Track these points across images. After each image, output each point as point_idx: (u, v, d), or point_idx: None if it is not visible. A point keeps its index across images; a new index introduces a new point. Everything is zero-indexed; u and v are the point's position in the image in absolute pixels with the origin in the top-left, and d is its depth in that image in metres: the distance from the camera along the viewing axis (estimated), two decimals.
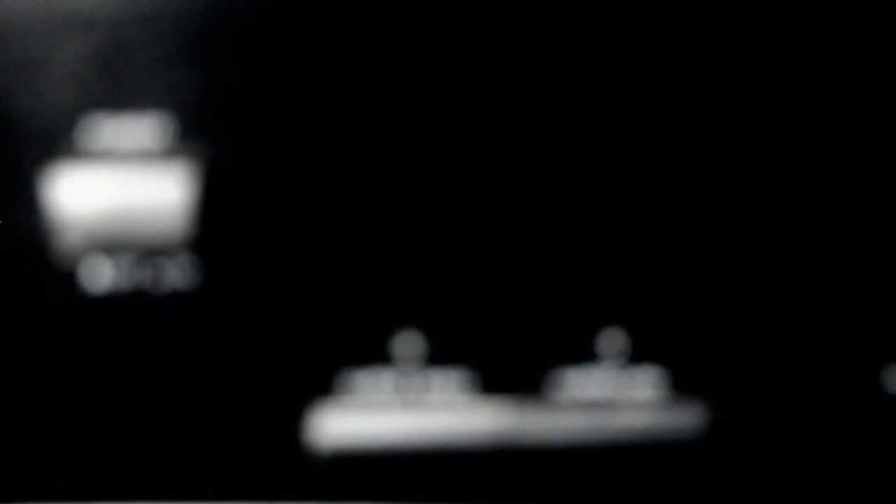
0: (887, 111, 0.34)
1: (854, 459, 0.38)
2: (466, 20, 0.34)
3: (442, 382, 0.37)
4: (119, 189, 0.34)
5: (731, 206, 0.35)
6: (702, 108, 0.34)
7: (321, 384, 0.37)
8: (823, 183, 0.35)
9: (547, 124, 0.35)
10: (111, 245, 0.35)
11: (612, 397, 0.37)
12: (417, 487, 0.38)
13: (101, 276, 0.36)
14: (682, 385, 0.37)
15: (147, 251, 0.35)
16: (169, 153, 0.35)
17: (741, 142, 0.35)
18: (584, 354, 0.37)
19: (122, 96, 0.34)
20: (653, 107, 0.34)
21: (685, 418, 0.37)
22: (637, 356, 0.37)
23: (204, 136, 0.35)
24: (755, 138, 0.35)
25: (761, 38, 0.34)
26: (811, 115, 0.34)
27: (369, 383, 0.37)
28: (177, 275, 0.36)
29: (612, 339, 0.37)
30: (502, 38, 0.34)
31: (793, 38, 0.34)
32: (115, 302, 0.36)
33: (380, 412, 0.37)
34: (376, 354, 0.37)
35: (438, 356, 0.37)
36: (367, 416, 0.37)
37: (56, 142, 0.35)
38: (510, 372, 0.37)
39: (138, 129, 0.35)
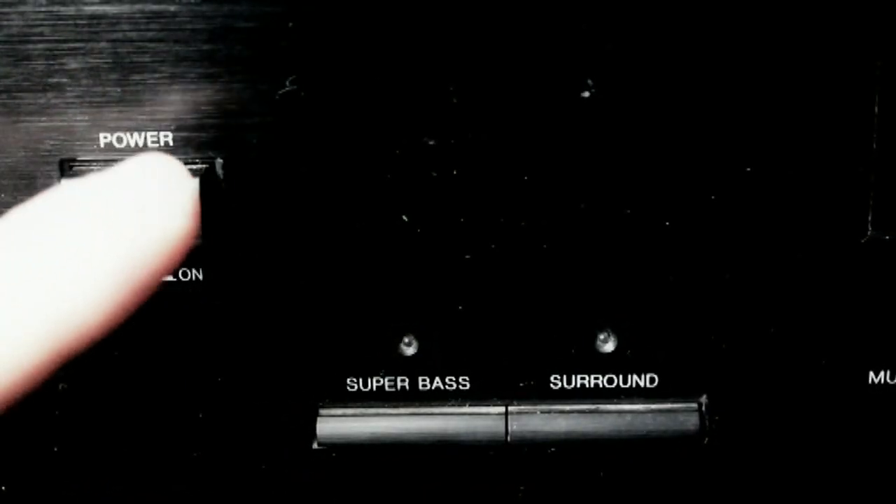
0: None
1: (843, 453, 0.38)
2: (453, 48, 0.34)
3: (444, 384, 0.38)
4: None
5: (729, 211, 0.36)
6: (691, 122, 0.35)
7: (328, 386, 0.38)
8: (813, 195, 0.35)
9: (539, 145, 0.35)
10: None
11: (607, 398, 0.38)
12: (419, 485, 0.39)
13: None
14: (676, 386, 0.38)
15: None
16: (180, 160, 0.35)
17: (726, 154, 0.35)
18: (581, 356, 0.37)
19: (131, 108, 0.34)
20: (641, 125, 0.35)
21: (680, 418, 0.37)
22: (632, 358, 0.37)
23: (215, 145, 0.35)
24: (739, 150, 0.35)
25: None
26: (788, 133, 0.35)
27: (374, 385, 0.38)
28: (186, 280, 0.36)
29: (607, 342, 0.37)
30: (497, 63, 0.34)
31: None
32: None
33: (384, 413, 0.38)
34: (381, 358, 0.37)
35: (440, 359, 0.37)
36: (371, 416, 0.37)
37: (71, 150, 0.35)
38: (509, 375, 0.37)
39: (148, 139, 0.35)
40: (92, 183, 0.30)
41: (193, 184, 0.31)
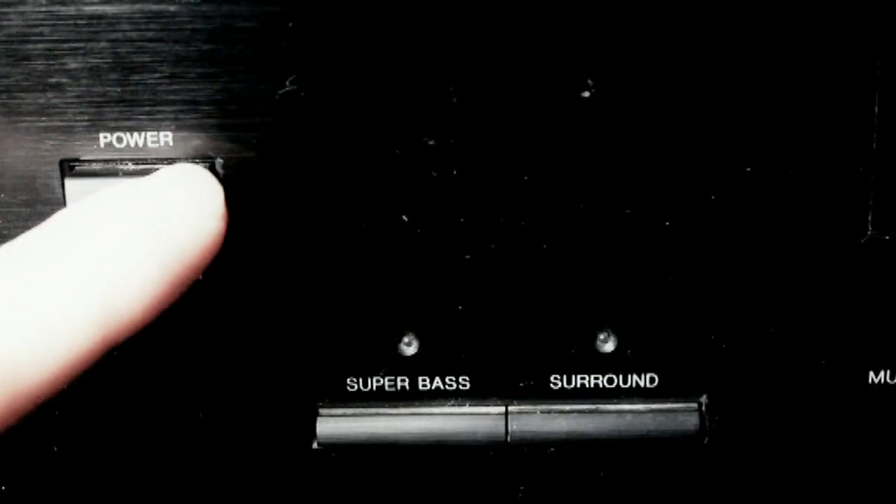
0: None
1: (843, 453, 0.38)
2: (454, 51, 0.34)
3: (444, 384, 0.38)
4: None
5: (729, 211, 0.36)
6: (691, 122, 0.35)
7: (328, 386, 0.38)
8: (813, 195, 0.35)
9: (539, 145, 0.35)
10: None
11: (607, 398, 0.38)
12: (419, 485, 0.39)
13: None
14: (676, 386, 0.38)
15: None
16: (176, 162, 0.35)
17: (726, 154, 0.35)
18: (581, 356, 0.37)
19: (131, 108, 0.35)
20: (641, 125, 0.35)
21: (680, 418, 0.37)
22: (632, 358, 0.37)
23: (215, 145, 0.35)
24: (739, 150, 0.35)
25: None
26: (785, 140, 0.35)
27: (374, 385, 0.38)
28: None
29: (607, 342, 0.37)
30: (496, 68, 0.34)
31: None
32: None
33: (384, 413, 0.38)
34: (381, 358, 0.37)
35: (440, 359, 0.37)
36: (371, 416, 0.37)
37: (71, 150, 0.35)
38: (509, 375, 0.37)
39: (148, 139, 0.35)
40: (134, 186, 0.33)
41: (221, 190, 0.34)
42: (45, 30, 0.34)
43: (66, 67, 0.34)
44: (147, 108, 0.35)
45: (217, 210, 0.33)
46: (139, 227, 0.32)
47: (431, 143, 0.35)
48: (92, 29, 0.34)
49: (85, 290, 0.30)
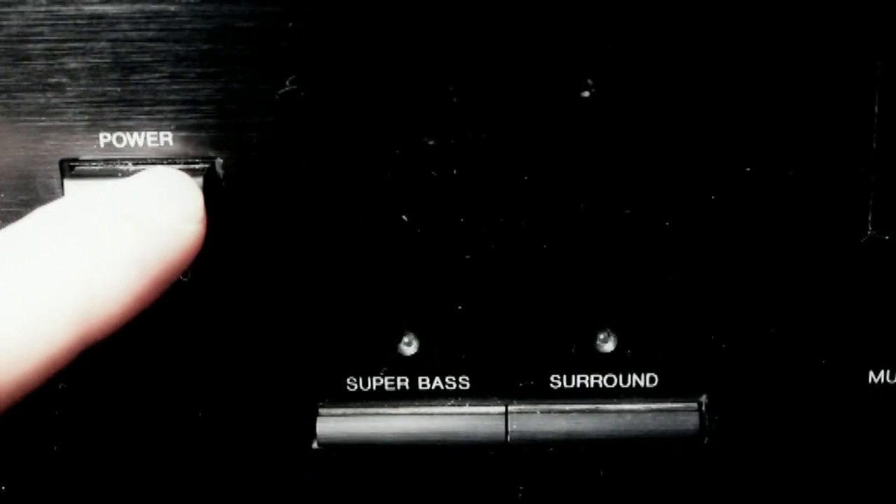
0: None
1: (843, 453, 0.38)
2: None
3: (444, 384, 0.38)
4: None
5: (729, 211, 0.36)
6: (691, 122, 0.35)
7: (328, 386, 0.38)
8: (813, 195, 0.35)
9: (539, 145, 0.35)
10: None
11: (607, 398, 0.38)
12: (419, 485, 0.39)
13: None
14: (676, 386, 0.38)
15: None
16: (176, 162, 0.35)
17: (726, 154, 0.35)
18: (581, 356, 0.37)
19: (131, 108, 0.35)
20: (641, 125, 0.35)
21: (680, 418, 0.37)
22: (632, 358, 0.37)
23: (215, 145, 0.35)
24: (739, 150, 0.35)
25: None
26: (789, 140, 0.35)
27: (374, 385, 0.38)
28: (187, 279, 0.36)
29: (607, 342, 0.37)
30: (494, 69, 0.34)
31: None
32: None
33: (384, 413, 0.38)
34: (381, 358, 0.37)
35: (440, 359, 0.37)
36: (371, 416, 0.37)
37: (71, 150, 0.35)
38: (509, 374, 0.37)
39: (148, 139, 0.35)
40: (114, 187, 0.33)
41: (201, 194, 0.34)
42: (45, 30, 0.34)
43: (66, 67, 0.34)
44: (147, 108, 0.35)
45: (196, 213, 0.33)
46: (118, 228, 0.32)
47: (431, 143, 0.35)
48: (92, 29, 0.34)
49: (63, 288, 0.30)
